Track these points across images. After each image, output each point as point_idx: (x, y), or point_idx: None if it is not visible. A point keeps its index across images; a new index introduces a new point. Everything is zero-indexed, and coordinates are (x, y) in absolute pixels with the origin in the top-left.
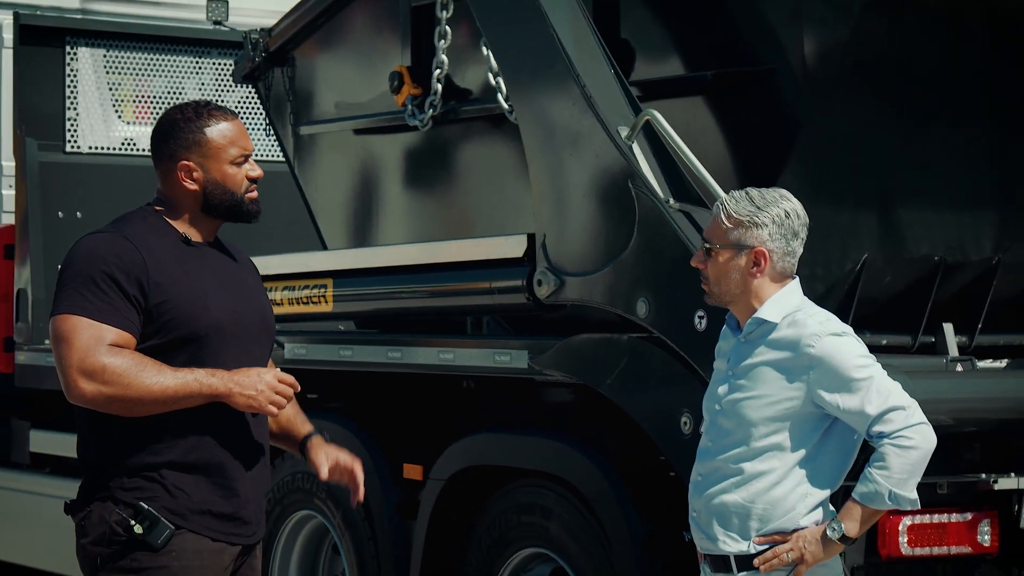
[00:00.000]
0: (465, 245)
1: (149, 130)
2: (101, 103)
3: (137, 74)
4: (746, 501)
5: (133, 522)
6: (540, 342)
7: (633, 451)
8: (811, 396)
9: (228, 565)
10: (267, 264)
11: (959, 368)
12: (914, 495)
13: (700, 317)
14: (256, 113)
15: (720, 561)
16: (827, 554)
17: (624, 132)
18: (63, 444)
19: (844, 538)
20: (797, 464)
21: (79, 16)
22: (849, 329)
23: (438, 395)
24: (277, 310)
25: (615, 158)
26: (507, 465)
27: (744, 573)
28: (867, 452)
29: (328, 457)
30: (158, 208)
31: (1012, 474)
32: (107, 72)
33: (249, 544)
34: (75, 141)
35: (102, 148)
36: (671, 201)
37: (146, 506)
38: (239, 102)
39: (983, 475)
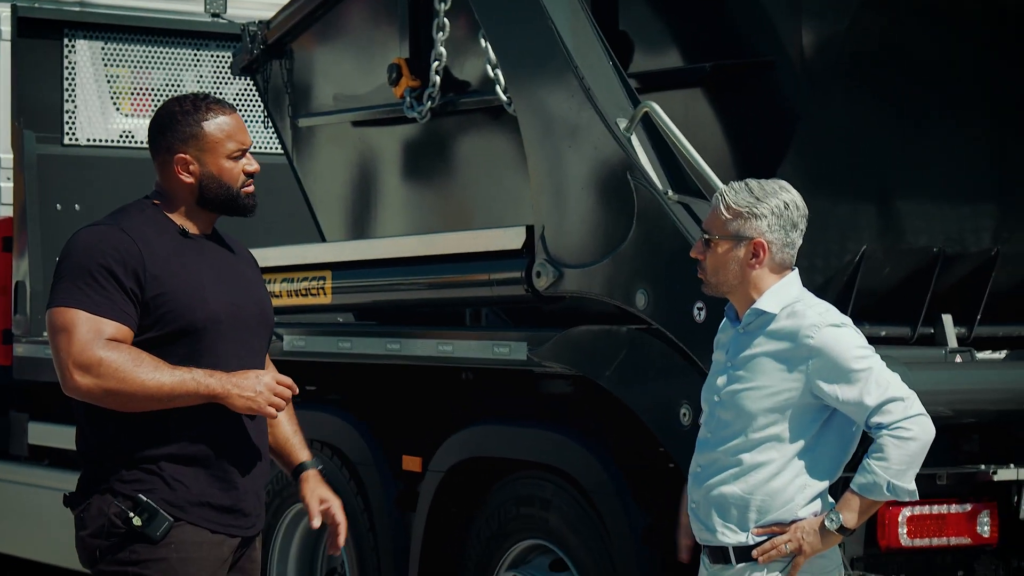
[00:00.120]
0: (464, 237)
1: (147, 122)
2: (99, 95)
3: (135, 66)
4: (745, 492)
5: (132, 514)
6: (539, 334)
7: (632, 443)
8: (810, 387)
9: (227, 557)
10: (266, 256)
11: (958, 359)
12: (912, 486)
13: (699, 309)
14: (254, 105)
15: (719, 552)
16: (825, 545)
17: (623, 124)
18: (61, 436)
19: (842, 529)
20: (796, 455)
21: (77, 8)
22: (848, 320)
23: (437, 387)
24: (276, 302)
25: (614, 150)
26: (506, 457)
27: (742, 564)
28: (867, 443)
29: (320, 502)
30: (156, 201)
31: (1011, 465)
32: (105, 64)
33: (248, 536)
34: (73, 133)
35: (100, 140)
36: (670, 193)
37: (145, 498)
38: (237, 94)
39: (982, 466)
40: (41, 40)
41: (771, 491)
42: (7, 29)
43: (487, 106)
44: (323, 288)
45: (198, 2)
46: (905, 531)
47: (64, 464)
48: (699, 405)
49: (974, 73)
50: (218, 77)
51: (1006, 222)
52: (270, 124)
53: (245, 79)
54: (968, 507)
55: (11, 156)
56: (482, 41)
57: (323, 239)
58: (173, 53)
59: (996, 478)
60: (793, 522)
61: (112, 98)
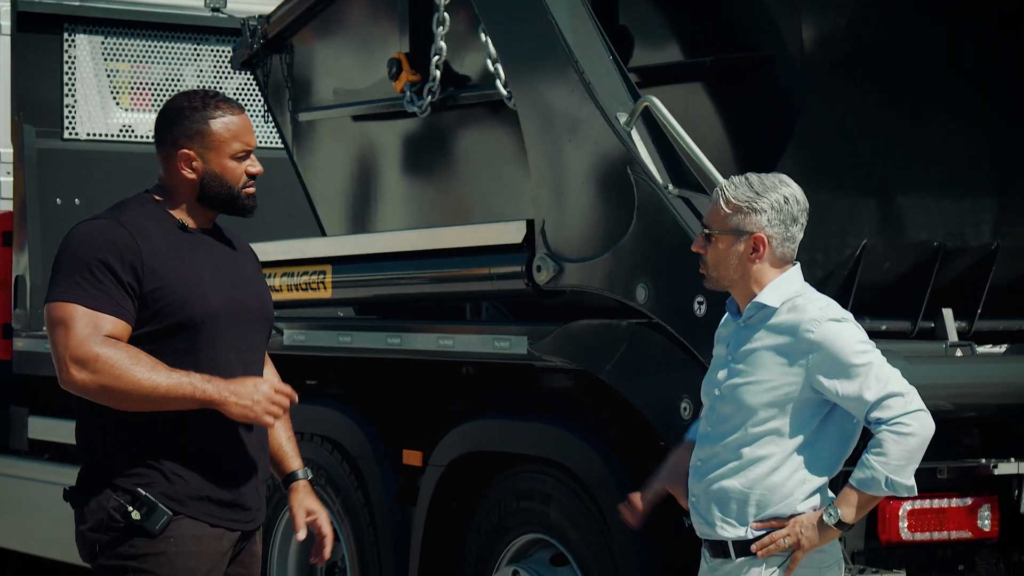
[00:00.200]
0: (464, 231)
1: (147, 117)
2: (99, 90)
3: (135, 61)
4: (744, 487)
5: (131, 508)
6: (539, 328)
7: (633, 437)
8: (810, 381)
9: (227, 551)
10: (266, 250)
11: (959, 353)
12: (911, 482)
13: (699, 303)
14: (255, 100)
15: (719, 546)
16: (823, 540)
17: (623, 118)
18: (61, 431)
19: (840, 524)
20: (795, 450)
21: (77, 3)
22: (849, 315)
23: (437, 381)
24: (276, 296)
25: (614, 144)
26: (507, 451)
27: (742, 559)
28: (867, 438)
29: (307, 513)
30: (156, 195)
31: (1012, 459)
32: (105, 59)
33: (248, 530)
34: (73, 128)
35: (100, 135)
36: (670, 187)
37: (144, 492)
38: (237, 89)
39: (983, 460)
40: (41, 34)
41: (770, 485)
42: (7, 23)
43: (487, 100)
44: (323, 282)
45: None
46: (906, 525)
47: (64, 459)
48: (699, 399)
49: (974, 67)
50: (218, 72)
51: (1006, 216)
52: (270, 118)
53: (245, 74)
54: (969, 501)
55: (11, 151)
56: (482, 35)
57: (323, 233)
58: (173, 48)
59: (997, 472)
60: (792, 516)
61: (112, 93)
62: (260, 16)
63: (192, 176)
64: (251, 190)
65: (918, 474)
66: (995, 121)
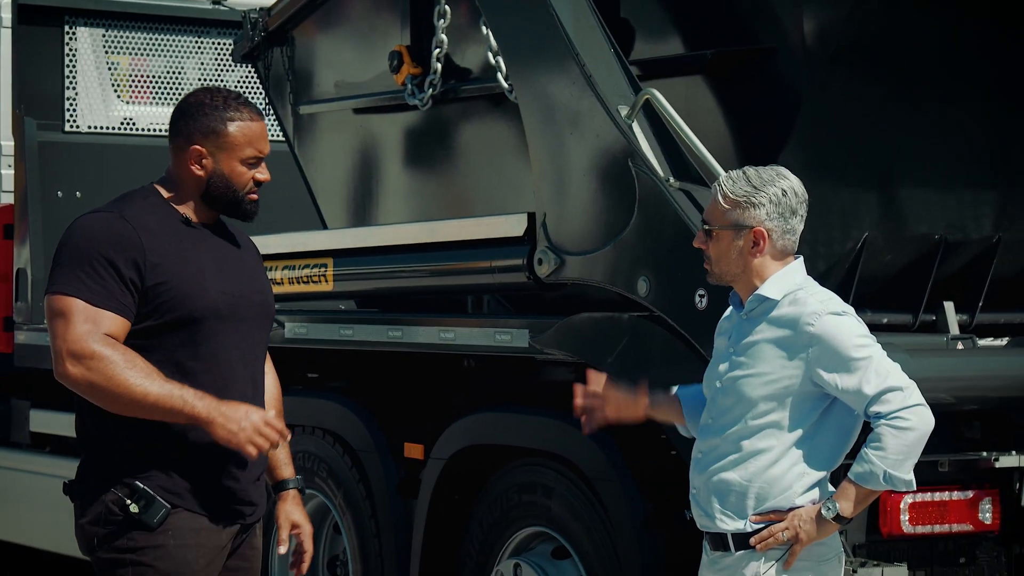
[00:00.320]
0: (465, 224)
1: (148, 110)
2: (100, 83)
3: (136, 54)
4: (743, 479)
5: (129, 501)
6: (541, 321)
7: (634, 430)
8: (810, 375)
9: (226, 544)
10: (267, 243)
11: (960, 346)
12: (909, 476)
13: (700, 296)
14: (256, 93)
15: (718, 539)
16: (822, 534)
17: (624, 111)
18: (63, 424)
19: (839, 518)
20: (795, 443)
21: None
22: (850, 309)
23: (439, 374)
24: (277, 289)
25: (615, 137)
26: (508, 444)
27: (741, 551)
28: (868, 432)
29: (293, 526)
30: (162, 188)
31: (1013, 452)
32: (106, 52)
33: (248, 523)
34: (74, 121)
35: (101, 128)
36: (671, 180)
37: (142, 485)
38: (238, 82)
39: (984, 453)
40: (42, 27)
41: (769, 478)
42: (8, 16)
43: (488, 93)
44: (325, 275)
45: None
46: (907, 518)
47: (66, 452)
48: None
49: (976, 60)
50: (220, 65)
51: (1007, 209)
52: (271, 111)
53: (246, 66)
54: (970, 494)
55: (12, 143)
56: (483, 28)
57: (324, 226)
58: (174, 40)
59: (998, 465)
60: (791, 510)
61: (113, 85)
62: (261, 9)
63: (200, 173)
64: (254, 196)
65: (919, 467)
66: (997, 114)
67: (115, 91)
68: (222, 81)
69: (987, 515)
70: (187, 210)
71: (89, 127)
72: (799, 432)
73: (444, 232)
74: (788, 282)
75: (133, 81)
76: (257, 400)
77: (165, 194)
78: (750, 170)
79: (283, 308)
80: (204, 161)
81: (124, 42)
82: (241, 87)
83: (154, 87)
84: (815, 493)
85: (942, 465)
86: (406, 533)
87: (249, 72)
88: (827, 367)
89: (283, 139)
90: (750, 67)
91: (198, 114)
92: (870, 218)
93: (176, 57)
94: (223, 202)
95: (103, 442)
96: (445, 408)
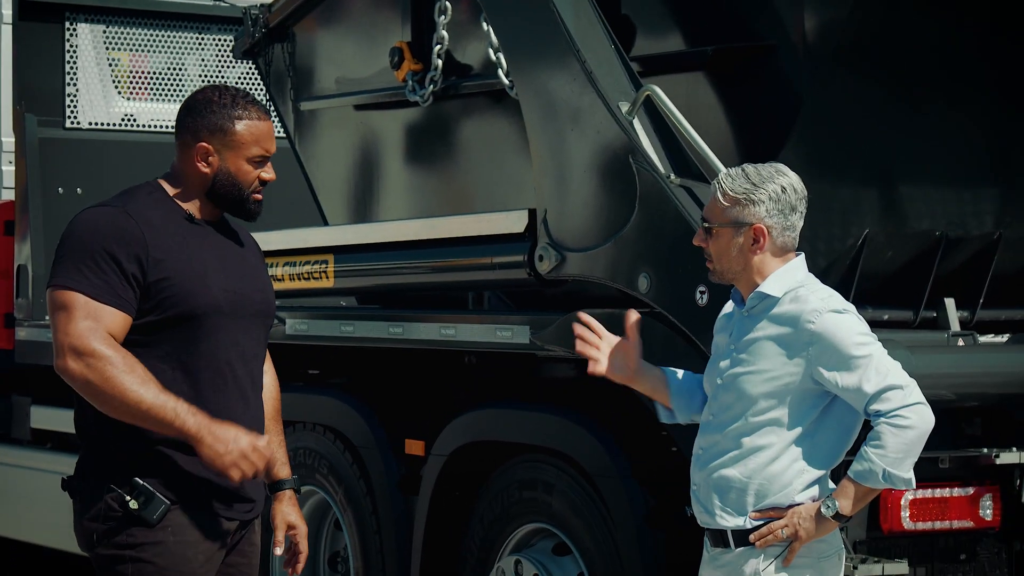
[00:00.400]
0: (466, 221)
1: (149, 106)
2: (101, 79)
3: (137, 50)
4: (744, 476)
5: (129, 498)
6: (541, 317)
7: (635, 426)
8: (810, 372)
9: (226, 540)
10: (268, 240)
11: (961, 343)
12: (909, 475)
13: (701, 292)
14: (256, 89)
15: (718, 535)
16: (821, 531)
17: (625, 108)
18: (64, 420)
19: (838, 516)
20: (795, 440)
21: None
22: (851, 306)
23: (440, 370)
24: (278, 286)
25: (616, 134)
26: (509, 440)
27: (741, 548)
28: (869, 430)
29: (288, 527)
30: (166, 184)
31: (1014, 448)
32: (107, 48)
33: (247, 520)
34: (75, 117)
35: (102, 124)
36: (672, 177)
37: (142, 482)
38: (239, 78)
39: (985, 450)
40: (42, 23)
41: (769, 475)
42: (8, 12)
43: (489, 89)
44: (325, 272)
45: None
46: (908, 514)
47: (67, 448)
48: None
49: (977, 57)
50: (220, 61)
51: (1008, 206)
52: (272, 108)
53: (247, 63)
54: (970, 490)
55: (13, 140)
56: (484, 24)
57: (325, 223)
58: (175, 37)
59: (998, 461)
60: (790, 507)
61: (114, 82)
62: (262, 5)
63: (206, 170)
64: (259, 196)
65: (919, 464)
66: (997, 111)
67: (116, 87)
68: (223, 78)
69: (988, 512)
70: (191, 207)
71: (90, 123)
72: (799, 429)
73: (445, 228)
74: (789, 279)
75: (134, 77)
76: (255, 398)
77: (170, 190)
78: (749, 167)
79: (284, 304)
80: (210, 158)
81: (125, 38)
82: (242, 83)
83: (155, 83)
84: (815, 490)
85: (943, 462)
86: (407, 529)
87: (250, 68)
88: (827, 365)
89: (284, 135)
90: (751, 64)
91: (206, 111)
92: (871, 215)
93: (177, 53)
94: (228, 200)
95: (102, 438)
96: (446, 404)
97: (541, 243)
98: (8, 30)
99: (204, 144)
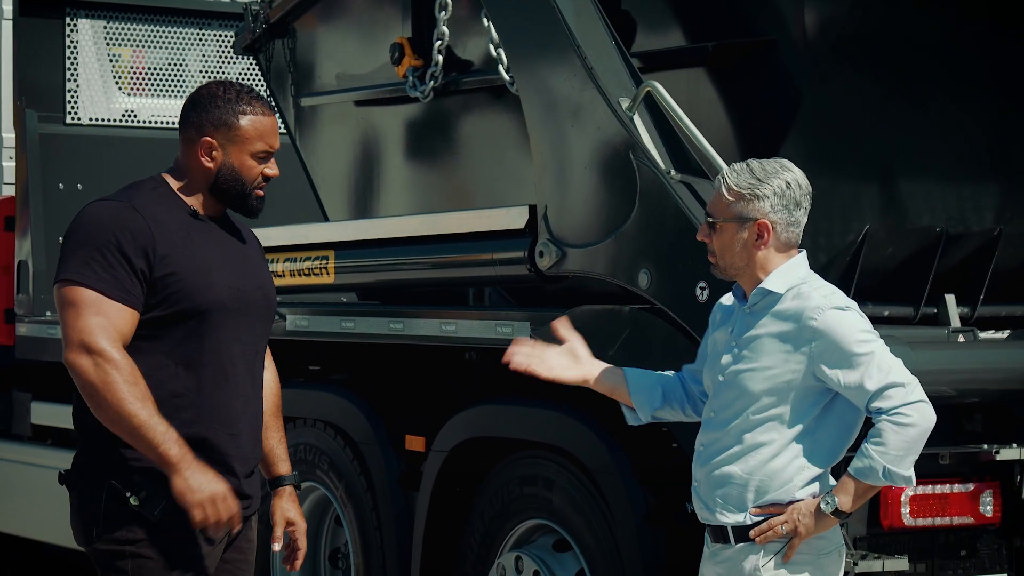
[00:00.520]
0: (467, 217)
1: (150, 102)
2: (101, 74)
3: (138, 46)
4: (744, 472)
5: (129, 493)
6: (542, 313)
7: None
8: (812, 369)
9: (224, 537)
10: (269, 235)
11: (961, 339)
12: (909, 472)
13: (702, 288)
14: (257, 85)
15: (719, 531)
16: (821, 527)
17: (625, 103)
18: (65, 416)
19: (838, 512)
20: (796, 437)
21: None
22: (853, 304)
23: (440, 367)
24: (279, 282)
25: (616, 130)
26: (509, 437)
27: (741, 544)
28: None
29: (287, 523)
30: (170, 179)
31: (1014, 444)
32: (107, 43)
33: (244, 516)
34: (75, 113)
35: (103, 120)
36: (672, 173)
37: (142, 477)
38: (240, 74)
39: (985, 446)
40: (43, 19)
41: (770, 472)
42: (9, 8)
43: (490, 85)
44: (326, 268)
45: None
46: (908, 511)
47: (67, 444)
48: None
49: (977, 52)
50: (221, 57)
51: (1009, 202)
52: (273, 104)
53: (248, 59)
54: (971, 487)
55: (13, 136)
56: (484, 20)
57: (326, 219)
58: (175, 32)
59: (999, 458)
60: (791, 503)
61: (114, 77)
62: (262, 1)
63: (210, 165)
64: (261, 192)
65: (920, 460)
66: (998, 107)
67: (116, 83)
68: (223, 73)
69: (988, 508)
70: (195, 202)
71: (90, 119)
72: (800, 426)
73: (445, 224)
74: (792, 276)
75: (134, 73)
76: (256, 394)
77: (174, 185)
78: (754, 162)
79: (285, 300)
80: (214, 153)
81: (125, 34)
82: (242, 79)
83: (155, 79)
84: (815, 487)
85: (943, 458)
86: (407, 526)
87: (250, 64)
88: (829, 362)
89: (284, 131)
90: (752, 60)
91: (210, 106)
92: (871, 211)
93: (177, 49)
94: (231, 195)
95: (103, 434)
96: (446, 401)
97: (541, 239)
98: (8, 25)
99: (208, 139)
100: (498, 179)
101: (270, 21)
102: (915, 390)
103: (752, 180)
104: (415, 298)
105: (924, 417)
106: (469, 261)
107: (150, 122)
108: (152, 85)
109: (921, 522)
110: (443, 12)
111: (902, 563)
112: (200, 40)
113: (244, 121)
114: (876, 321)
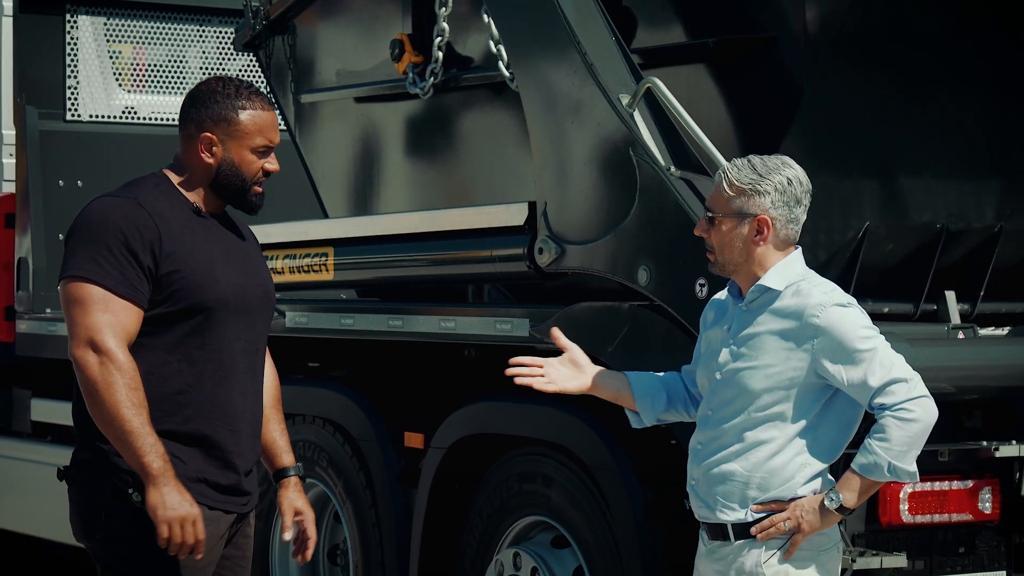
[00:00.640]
0: (466, 213)
1: (150, 98)
2: (102, 71)
3: (138, 42)
4: (745, 470)
5: (131, 490)
6: (541, 310)
7: None
8: (814, 366)
9: (224, 533)
10: (268, 232)
11: (961, 336)
12: (913, 468)
13: (701, 285)
14: (257, 81)
15: (717, 529)
16: (824, 524)
17: (625, 100)
18: (64, 413)
19: (841, 508)
20: (797, 434)
21: None
22: (853, 300)
23: (439, 363)
24: (278, 279)
25: (616, 126)
26: (508, 433)
27: (741, 541)
28: (869, 423)
29: (295, 513)
30: (172, 175)
31: (1013, 441)
32: (108, 40)
33: (242, 513)
34: (76, 109)
35: (103, 116)
36: (672, 169)
37: None
38: (240, 70)
39: (984, 442)
40: (43, 15)
41: (771, 469)
42: (9, 4)
43: (490, 82)
44: (325, 264)
45: None
46: (906, 507)
47: (67, 441)
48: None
49: (978, 49)
50: (221, 53)
51: (1009, 198)
52: (273, 100)
53: (248, 55)
54: (970, 483)
55: (13, 132)
56: (484, 16)
57: (325, 215)
58: (176, 29)
59: (998, 454)
60: (792, 500)
61: (115, 74)
62: None
63: (210, 161)
64: (260, 189)
65: (919, 457)
66: (999, 103)
67: (116, 80)
68: (224, 70)
69: (987, 505)
70: (195, 198)
71: (91, 116)
72: (802, 423)
73: (445, 221)
74: (789, 272)
75: (134, 70)
76: (256, 390)
77: (176, 180)
78: (755, 158)
79: (284, 297)
80: (214, 148)
81: (126, 30)
82: (242, 76)
83: (155, 76)
84: (817, 483)
85: (942, 455)
86: (406, 522)
87: (250, 61)
88: (832, 359)
89: (284, 128)
90: (752, 56)
91: (210, 102)
92: (871, 207)
93: (178, 46)
94: (231, 191)
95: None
96: (445, 397)
97: (541, 236)
98: (9, 22)
99: (208, 134)
100: (498, 175)
101: (270, 17)
102: (917, 386)
103: (753, 176)
104: (414, 295)
105: (927, 412)
106: (468, 258)
107: (150, 119)
108: (152, 82)
109: (920, 519)
110: (443, 8)
111: (900, 560)
112: (200, 37)
113: (244, 116)
114: (876, 318)
